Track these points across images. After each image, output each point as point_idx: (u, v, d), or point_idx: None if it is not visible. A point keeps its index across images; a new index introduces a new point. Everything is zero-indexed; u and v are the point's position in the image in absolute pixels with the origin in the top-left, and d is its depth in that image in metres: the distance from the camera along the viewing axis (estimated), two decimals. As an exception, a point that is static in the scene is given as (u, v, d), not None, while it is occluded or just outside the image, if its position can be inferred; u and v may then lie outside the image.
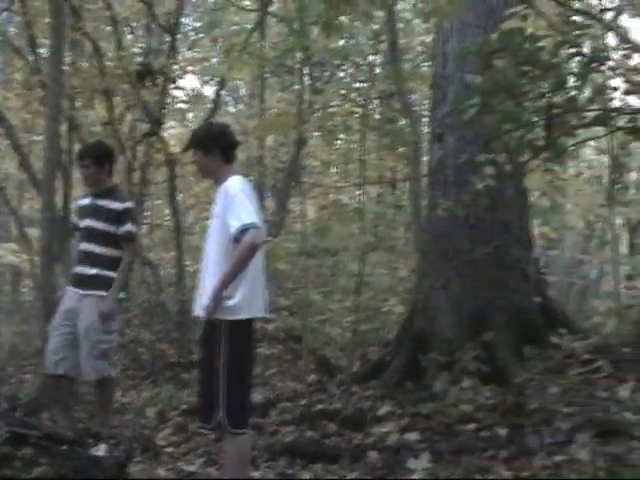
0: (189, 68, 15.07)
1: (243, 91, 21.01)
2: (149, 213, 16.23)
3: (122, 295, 6.63)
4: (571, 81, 5.74)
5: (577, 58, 5.63)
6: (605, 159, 12.25)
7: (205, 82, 17.65)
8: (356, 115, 11.25)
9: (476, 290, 7.47)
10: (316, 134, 15.29)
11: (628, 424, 5.29)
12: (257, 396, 7.74)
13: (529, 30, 6.09)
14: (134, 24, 15.37)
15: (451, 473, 5.19)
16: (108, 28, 12.93)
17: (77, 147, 10.80)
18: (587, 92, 5.75)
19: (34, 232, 12.14)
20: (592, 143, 12.20)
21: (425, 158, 9.81)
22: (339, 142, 16.38)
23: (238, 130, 13.14)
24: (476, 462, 5.24)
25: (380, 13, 10.55)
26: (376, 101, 14.78)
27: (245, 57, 11.92)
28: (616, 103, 6.09)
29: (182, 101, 16.88)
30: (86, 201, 6.74)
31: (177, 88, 14.86)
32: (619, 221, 13.49)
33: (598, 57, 5.56)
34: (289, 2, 11.55)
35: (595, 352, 7.02)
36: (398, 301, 10.52)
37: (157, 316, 12.45)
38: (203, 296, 4.79)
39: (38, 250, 8.48)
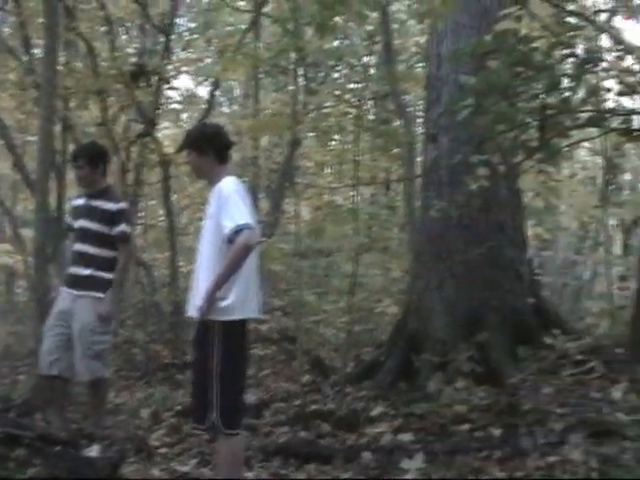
0: (183, 68, 15.06)
1: (237, 92, 21.00)
2: (143, 214, 16.21)
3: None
4: (565, 82, 5.76)
5: (571, 59, 5.64)
6: (599, 160, 12.26)
7: (199, 83, 17.66)
8: (350, 116, 11.25)
9: (470, 291, 7.48)
10: (310, 135, 15.28)
11: (621, 425, 5.30)
12: (251, 397, 7.73)
13: (523, 31, 6.11)
14: (128, 24, 15.36)
15: (445, 474, 5.20)
16: (102, 28, 12.91)
17: (71, 148, 10.79)
18: (581, 93, 5.76)
19: (28, 233, 12.14)
20: (586, 144, 12.23)
21: (419, 159, 9.82)
22: (333, 143, 16.38)
23: (232, 130, 13.15)
24: (470, 462, 5.25)
25: (374, 14, 10.56)
26: (370, 102, 14.80)
27: (239, 58, 11.92)
28: (610, 104, 6.11)
29: (176, 102, 16.88)
30: (80, 202, 6.73)
31: (171, 89, 14.84)
32: (613, 222, 13.50)
33: (592, 58, 5.57)
34: (283, 3, 11.54)
35: (588, 353, 7.03)
36: (392, 302, 10.53)
37: (151, 317, 12.43)
38: (197, 297, 4.79)
39: (32, 251, 8.47)
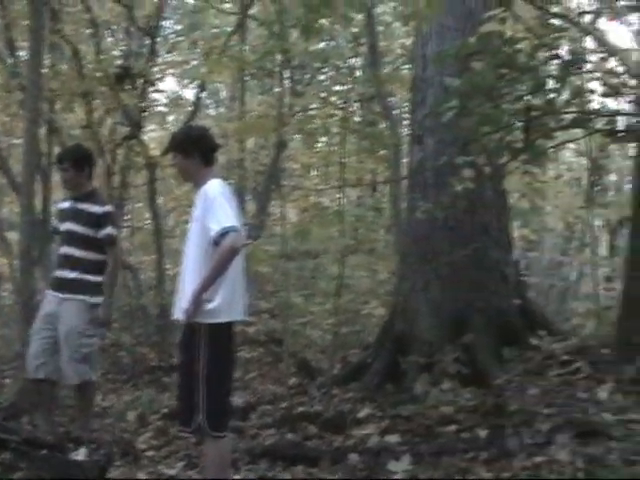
0: (169, 71, 15.03)
1: (224, 94, 20.99)
2: (129, 216, 16.18)
3: (101, 299, 6.59)
4: (550, 84, 5.77)
5: (555, 61, 5.66)
6: (584, 161, 12.31)
7: (185, 85, 17.64)
8: (336, 118, 11.26)
9: (455, 292, 7.50)
10: (297, 137, 15.29)
11: (607, 425, 5.32)
12: (238, 399, 7.73)
13: (508, 33, 6.13)
14: (114, 27, 15.32)
15: (432, 474, 5.21)
16: (88, 31, 12.88)
17: (57, 150, 10.76)
18: (565, 95, 5.78)
19: (13, 236, 12.11)
20: (571, 145, 12.27)
21: (405, 160, 9.83)
22: (319, 145, 16.39)
23: (218, 133, 13.14)
24: (456, 463, 5.26)
25: (360, 16, 10.57)
26: (356, 104, 14.80)
27: (225, 60, 11.91)
28: (594, 105, 6.13)
29: (162, 104, 16.85)
30: (66, 204, 6.73)
31: (157, 91, 14.81)
32: (598, 223, 13.54)
33: (576, 60, 5.59)
34: (269, 5, 11.54)
35: (574, 353, 7.06)
36: (378, 303, 10.53)
37: (138, 320, 12.41)
38: (183, 299, 4.79)
39: (17, 253, 8.45)
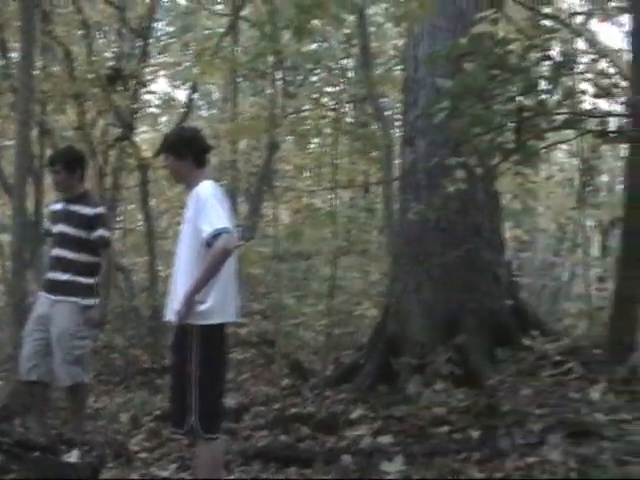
0: (161, 72, 15.03)
1: (216, 95, 20.98)
2: (122, 218, 16.16)
3: (93, 301, 6.58)
4: (541, 84, 5.78)
5: (546, 62, 5.67)
6: (576, 162, 12.33)
7: (177, 86, 17.63)
8: (328, 119, 11.26)
9: (448, 293, 7.51)
10: (289, 138, 15.28)
11: (599, 425, 5.34)
12: (230, 401, 7.73)
13: (499, 34, 6.14)
14: (106, 28, 15.31)
15: (424, 475, 5.21)
16: (80, 32, 12.86)
17: (49, 152, 10.74)
18: (557, 96, 5.79)
19: (5, 237, 12.08)
20: (563, 146, 12.29)
21: (397, 162, 9.84)
22: (312, 146, 16.39)
23: (211, 134, 13.14)
24: (449, 464, 5.27)
25: (351, 17, 10.58)
26: (349, 105, 14.81)
27: (217, 61, 11.90)
28: (586, 106, 6.14)
29: (154, 105, 16.85)
30: (58, 206, 6.72)
31: (149, 93, 14.81)
32: (590, 223, 13.57)
33: (567, 61, 5.60)
34: (261, 6, 11.54)
35: (567, 354, 7.07)
36: (371, 304, 10.54)
37: (130, 321, 12.40)
38: (175, 301, 4.79)
39: (9, 255, 8.44)
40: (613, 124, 6.42)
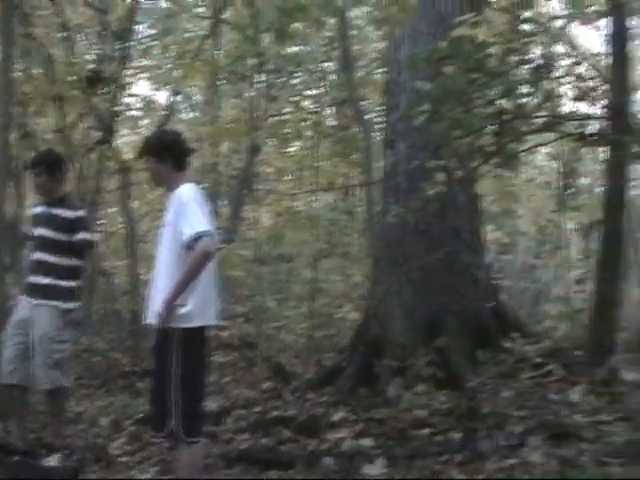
0: (142, 75, 14.98)
1: (197, 98, 20.93)
2: (103, 221, 16.10)
3: (73, 305, 6.55)
4: (521, 88, 5.81)
5: (525, 65, 5.70)
6: (556, 165, 12.38)
7: (157, 89, 17.57)
8: (308, 122, 11.26)
9: (428, 296, 7.53)
10: (270, 141, 15.26)
11: (579, 427, 5.37)
12: (212, 404, 7.71)
13: (479, 38, 6.16)
14: (87, 31, 15.24)
15: (405, 474, 5.23)
16: (60, 35, 12.81)
17: (29, 155, 10.69)
18: (536, 99, 5.82)
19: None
20: (544, 149, 12.33)
21: (379, 164, 9.86)
22: (293, 149, 16.37)
23: (192, 137, 13.11)
24: (430, 466, 5.28)
25: (332, 20, 10.59)
26: (330, 108, 14.81)
27: (198, 64, 11.89)
28: (566, 109, 6.18)
29: (135, 108, 16.79)
30: (39, 210, 6.69)
31: (130, 95, 14.77)
32: (571, 226, 13.61)
33: (546, 64, 5.63)
34: (242, 9, 11.53)
35: (547, 356, 7.10)
36: (352, 307, 10.55)
37: (111, 325, 12.36)
38: (155, 304, 4.78)
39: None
40: (593, 127, 6.46)
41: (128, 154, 13.18)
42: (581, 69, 6.35)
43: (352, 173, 14.84)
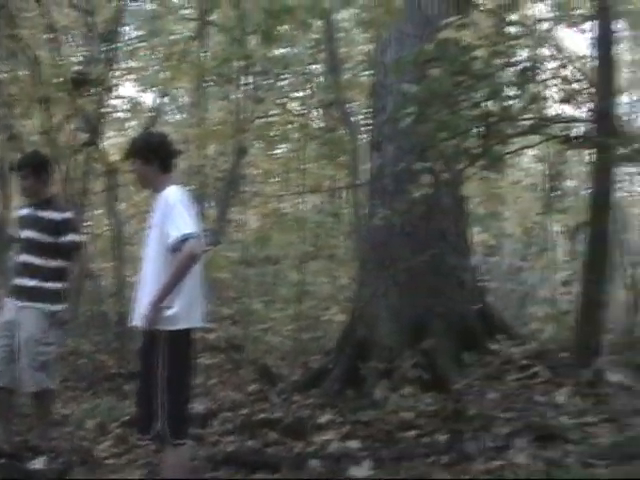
0: (129, 77, 14.96)
1: (184, 100, 20.89)
2: (89, 223, 16.06)
3: (59, 307, 6.53)
4: (508, 90, 5.83)
5: (511, 68, 5.71)
6: (542, 167, 12.41)
7: (143, 91, 17.54)
8: (295, 124, 11.26)
9: (414, 298, 7.54)
10: (257, 143, 15.25)
11: (564, 428, 5.39)
12: (198, 406, 7.69)
13: (466, 40, 6.17)
14: (74, 32, 15.21)
15: (392, 479, 5.23)
16: (46, 36, 12.78)
17: (15, 157, 10.66)
18: (522, 101, 5.83)
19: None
20: (530, 151, 12.36)
21: (365, 166, 9.86)
22: (280, 151, 16.36)
23: (179, 139, 13.09)
24: (417, 468, 5.28)
25: (319, 23, 10.59)
26: (316, 110, 14.81)
27: (184, 66, 11.87)
28: (551, 112, 6.20)
29: (122, 110, 16.75)
30: (25, 212, 6.67)
31: (117, 97, 14.75)
32: (557, 228, 13.64)
33: (532, 67, 5.64)
34: (229, 11, 11.52)
35: (533, 358, 7.12)
36: (339, 309, 10.54)
37: (97, 327, 12.33)
38: (142, 306, 4.77)
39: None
40: (579, 130, 6.48)
41: (114, 156, 13.16)
42: (567, 72, 6.37)
43: (339, 175, 14.85)
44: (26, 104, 12.16)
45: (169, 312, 4.69)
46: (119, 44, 13.87)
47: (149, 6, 15.88)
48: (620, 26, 7.55)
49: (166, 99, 15.54)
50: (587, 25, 7.67)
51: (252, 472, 5.85)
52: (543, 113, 6.07)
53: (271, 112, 13.94)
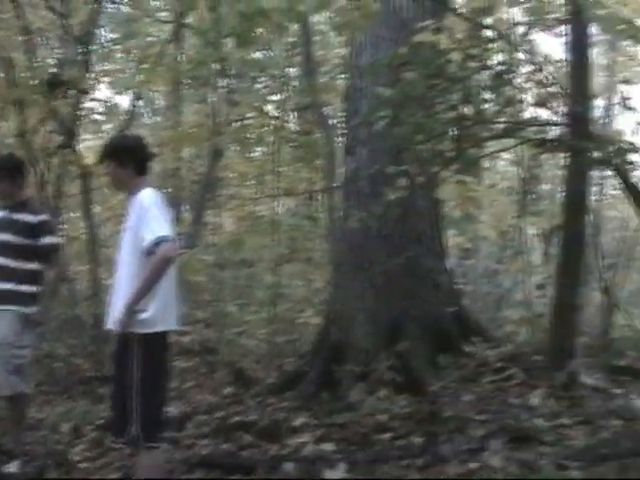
0: (105, 79, 14.90)
1: (160, 102, 20.84)
2: (64, 226, 15.98)
3: (34, 310, 6.50)
4: (481, 94, 5.85)
5: (486, 71, 5.74)
6: (518, 170, 12.45)
7: (118, 93, 17.49)
8: (270, 127, 11.25)
9: (389, 300, 7.55)
10: (233, 146, 15.23)
11: (539, 430, 5.41)
12: (173, 410, 7.67)
13: (440, 44, 6.19)
14: (49, 35, 15.14)
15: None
16: (21, 38, 12.72)
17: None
18: (497, 105, 5.85)
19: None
20: (505, 155, 12.42)
21: (341, 170, 9.87)
22: (256, 154, 16.35)
23: (154, 142, 13.06)
24: (391, 471, 5.29)
25: (295, 26, 10.59)
26: (292, 113, 14.81)
27: (160, 69, 11.84)
28: (526, 115, 6.23)
29: (98, 113, 16.70)
30: (0, 214, 6.64)
31: (92, 100, 14.69)
32: (532, 231, 13.69)
33: (506, 70, 5.67)
34: (205, 14, 11.50)
35: (507, 360, 7.16)
36: (314, 312, 10.54)
37: (72, 330, 12.27)
38: (116, 309, 4.75)
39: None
40: (553, 133, 6.51)
41: (90, 158, 13.11)
42: (541, 75, 6.39)
43: (315, 178, 14.86)
44: (1, 106, 12.09)
45: (143, 315, 4.68)
46: (95, 46, 13.82)
47: (125, 9, 15.84)
48: (594, 30, 7.58)
49: (141, 102, 15.47)
50: (562, 29, 7.72)
51: (227, 475, 5.84)
52: (518, 116, 6.10)
53: (247, 115, 13.92)
